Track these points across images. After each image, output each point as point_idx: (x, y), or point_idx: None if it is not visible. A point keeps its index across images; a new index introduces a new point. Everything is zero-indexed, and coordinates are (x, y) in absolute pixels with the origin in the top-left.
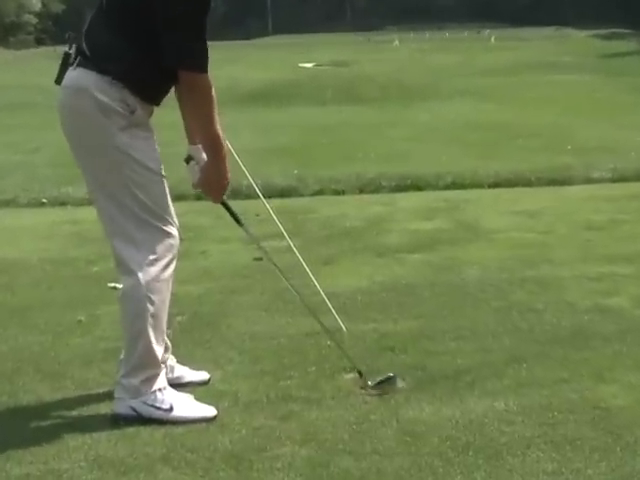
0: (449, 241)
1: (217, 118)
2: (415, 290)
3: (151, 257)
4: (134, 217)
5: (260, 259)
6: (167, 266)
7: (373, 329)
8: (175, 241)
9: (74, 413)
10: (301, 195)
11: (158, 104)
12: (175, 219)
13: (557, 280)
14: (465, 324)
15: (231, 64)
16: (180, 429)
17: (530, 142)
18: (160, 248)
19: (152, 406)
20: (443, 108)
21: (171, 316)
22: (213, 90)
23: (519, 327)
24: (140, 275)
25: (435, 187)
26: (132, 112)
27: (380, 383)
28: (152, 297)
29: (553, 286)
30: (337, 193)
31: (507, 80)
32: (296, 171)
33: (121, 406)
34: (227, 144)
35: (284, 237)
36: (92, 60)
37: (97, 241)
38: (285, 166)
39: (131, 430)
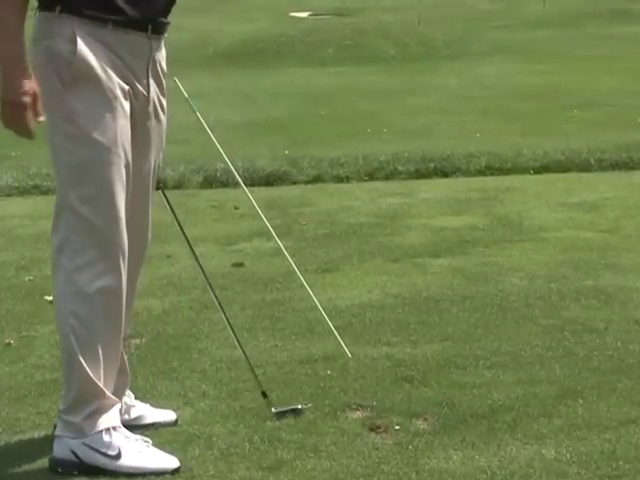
0: (484, 242)
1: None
2: (440, 305)
3: None
4: None
5: (241, 265)
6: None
7: (386, 355)
8: None
9: (1, 463)
10: (294, 182)
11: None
12: None
13: (623, 292)
14: (505, 348)
15: (202, 14)
16: None
17: (589, 114)
18: None
19: (96, 451)
20: (477, 70)
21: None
22: None
23: (574, 352)
24: None
25: (466, 172)
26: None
27: (284, 413)
28: None
29: (618, 300)
30: (340, 180)
31: (561, 33)
32: (287, 151)
33: (60, 448)
34: (198, 116)
35: (272, 237)
36: None
37: (30, 241)
38: (273, 145)
39: None
